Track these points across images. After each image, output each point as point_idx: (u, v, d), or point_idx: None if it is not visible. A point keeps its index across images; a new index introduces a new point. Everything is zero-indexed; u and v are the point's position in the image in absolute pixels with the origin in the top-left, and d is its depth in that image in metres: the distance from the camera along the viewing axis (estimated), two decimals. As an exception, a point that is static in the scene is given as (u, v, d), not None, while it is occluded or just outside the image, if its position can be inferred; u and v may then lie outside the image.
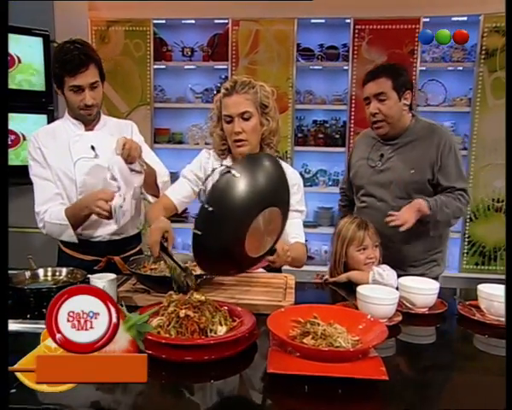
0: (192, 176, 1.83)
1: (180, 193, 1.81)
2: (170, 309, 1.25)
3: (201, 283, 1.55)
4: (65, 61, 1.78)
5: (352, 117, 4.13)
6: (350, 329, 1.17)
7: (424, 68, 4.10)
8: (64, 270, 1.69)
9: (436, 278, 2.02)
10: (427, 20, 3.98)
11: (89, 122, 1.93)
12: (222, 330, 1.22)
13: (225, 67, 4.16)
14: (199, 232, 1.31)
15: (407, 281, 1.54)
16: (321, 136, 4.28)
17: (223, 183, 1.32)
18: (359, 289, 1.41)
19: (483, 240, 4.10)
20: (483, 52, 3.95)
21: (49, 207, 1.86)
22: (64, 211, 1.84)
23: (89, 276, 1.56)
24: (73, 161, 1.88)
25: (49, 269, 1.68)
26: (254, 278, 1.73)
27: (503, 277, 3.93)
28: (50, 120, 2.89)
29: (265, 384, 1.08)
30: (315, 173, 4.37)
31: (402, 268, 1.88)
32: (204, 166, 1.84)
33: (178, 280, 1.43)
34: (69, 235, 1.86)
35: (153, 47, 4.17)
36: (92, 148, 1.88)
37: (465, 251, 4.12)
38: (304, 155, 4.33)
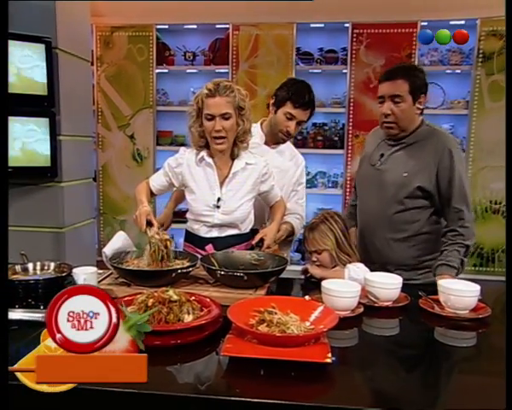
0: (167, 168, 2.01)
1: (157, 182, 2.03)
2: (140, 299, 1.34)
3: (178, 276, 1.64)
4: (297, 93, 2.11)
5: (351, 120, 4.19)
6: (305, 318, 1.24)
7: (422, 71, 4.14)
8: (52, 264, 1.79)
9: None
10: (425, 23, 4.02)
11: (277, 142, 2.25)
12: (188, 318, 1.31)
13: (226, 70, 4.25)
14: None
15: (372, 276, 1.61)
16: (320, 138, 4.34)
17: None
18: (324, 283, 1.48)
19: (481, 242, 4.10)
20: (480, 55, 3.97)
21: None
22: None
23: (73, 269, 1.66)
24: None
25: (38, 263, 1.79)
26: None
27: (501, 278, 3.97)
28: (52, 123, 3.01)
29: (226, 367, 1.16)
30: (314, 175, 4.43)
31: (390, 270, 1.84)
32: (179, 160, 1.99)
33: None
34: None
35: (155, 51, 4.29)
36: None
37: (463, 253, 4.13)
38: (303, 157, 4.37)
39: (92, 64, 3.95)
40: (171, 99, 4.46)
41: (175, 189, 2.09)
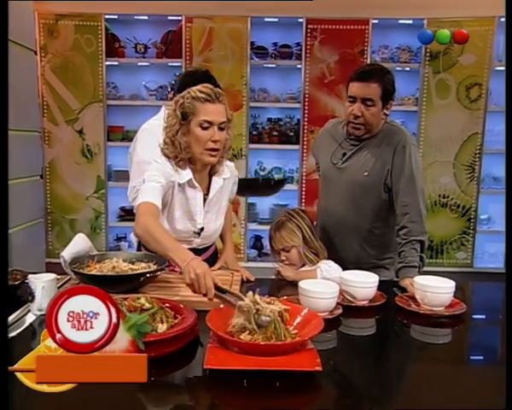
0: (164, 181, 1.66)
1: (158, 200, 1.63)
2: (110, 308, 1.24)
3: (146, 280, 1.55)
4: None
5: (306, 115, 4.21)
6: (288, 322, 1.19)
7: (374, 68, 4.22)
8: (3, 271, 1.64)
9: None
10: (376, 21, 4.10)
11: None
12: (162, 327, 1.22)
13: (179, 64, 4.15)
14: None
15: (348, 275, 1.59)
16: (275, 133, 4.33)
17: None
18: (301, 283, 1.44)
19: (430, 234, 4.23)
20: (427, 54, 4.10)
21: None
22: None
23: (29, 276, 1.52)
24: None
25: (-12, 270, 1.63)
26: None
27: (450, 269, 4.10)
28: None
29: (205, 380, 1.09)
30: (270, 171, 4.42)
31: (348, 269, 1.77)
32: (169, 178, 1.68)
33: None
34: None
35: (105, 43, 4.10)
36: None
37: (414, 245, 4.27)
38: (259, 152, 4.37)
39: (35, 54, 3.71)
40: (122, 93, 4.29)
41: None
